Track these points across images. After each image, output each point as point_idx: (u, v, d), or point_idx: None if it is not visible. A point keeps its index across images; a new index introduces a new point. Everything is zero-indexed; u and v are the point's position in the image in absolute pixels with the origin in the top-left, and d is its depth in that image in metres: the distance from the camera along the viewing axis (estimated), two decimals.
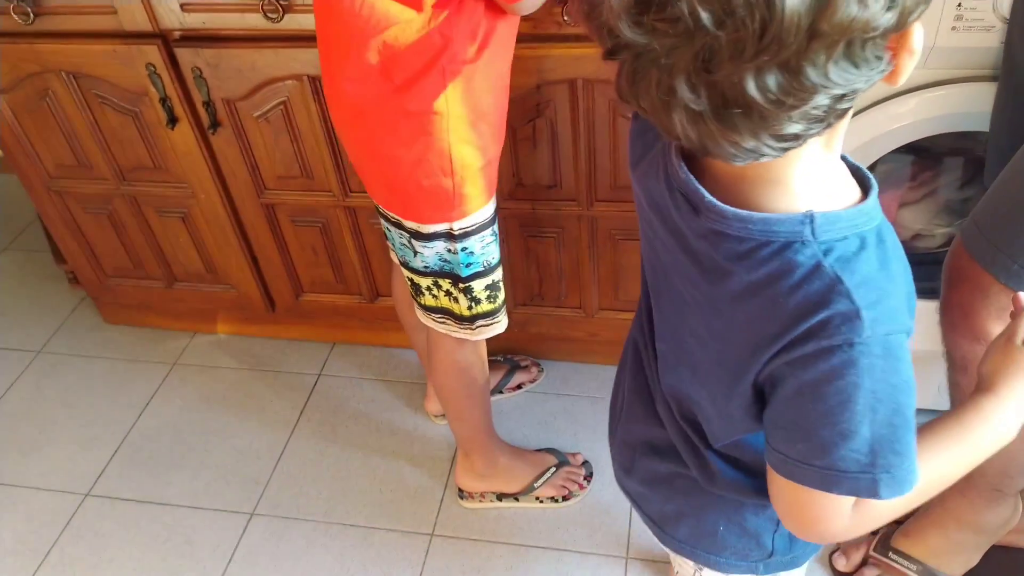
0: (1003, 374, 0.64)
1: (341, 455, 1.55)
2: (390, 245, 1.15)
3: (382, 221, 1.11)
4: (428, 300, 1.14)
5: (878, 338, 0.51)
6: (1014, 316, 0.67)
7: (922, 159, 1.31)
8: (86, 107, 1.40)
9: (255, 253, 1.56)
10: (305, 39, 1.22)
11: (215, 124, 1.35)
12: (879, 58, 0.45)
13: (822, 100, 0.44)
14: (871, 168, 1.28)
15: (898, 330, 0.52)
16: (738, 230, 0.53)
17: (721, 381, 0.61)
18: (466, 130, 0.95)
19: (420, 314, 1.18)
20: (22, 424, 1.67)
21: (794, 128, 0.46)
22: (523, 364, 1.65)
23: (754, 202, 0.53)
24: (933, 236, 1.33)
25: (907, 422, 0.55)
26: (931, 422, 0.64)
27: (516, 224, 1.41)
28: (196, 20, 1.25)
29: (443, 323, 1.17)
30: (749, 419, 0.61)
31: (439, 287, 1.11)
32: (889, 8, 0.43)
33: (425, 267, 1.09)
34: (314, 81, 1.27)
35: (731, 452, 0.69)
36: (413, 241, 1.06)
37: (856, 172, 0.57)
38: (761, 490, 0.64)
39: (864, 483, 0.55)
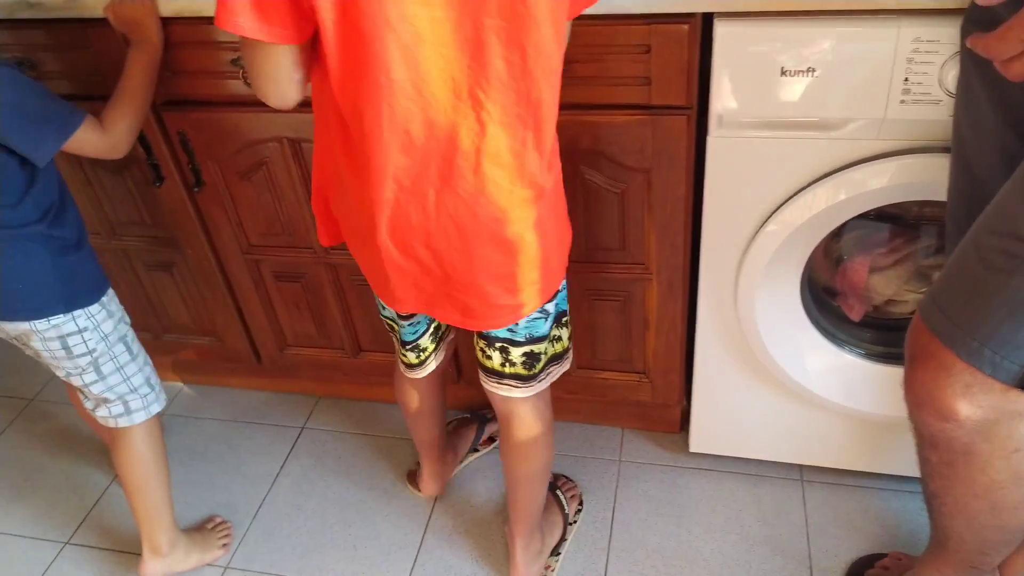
0: None
1: (318, 510, 1.55)
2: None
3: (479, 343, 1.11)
4: (557, 348, 1.13)
5: None
6: None
7: (895, 226, 1.31)
8: (80, 168, 1.46)
9: (240, 306, 1.60)
10: None
11: (200, 183, 1.40)
12: None
13: None
14: (838, 233, 1.29)
15: None
16: None
17: None
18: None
19: (520, 390, 1.14)
20: (10, 470, 1.70)
21: None
22: (490, 416, 1.65)
23: None
24: (905, 302, 1.32)
25: None
26: None
27: None
28: (180, 85, 1.30)
29: (544, 379, 1.14)
30: None
31: (563, 326, 1.13)
32: None
33: (559, 311, 1.10)
34: (293, 144, 1.31)
35: None
36: (546, 308, 1.06)
37: None
38: None
39: None
